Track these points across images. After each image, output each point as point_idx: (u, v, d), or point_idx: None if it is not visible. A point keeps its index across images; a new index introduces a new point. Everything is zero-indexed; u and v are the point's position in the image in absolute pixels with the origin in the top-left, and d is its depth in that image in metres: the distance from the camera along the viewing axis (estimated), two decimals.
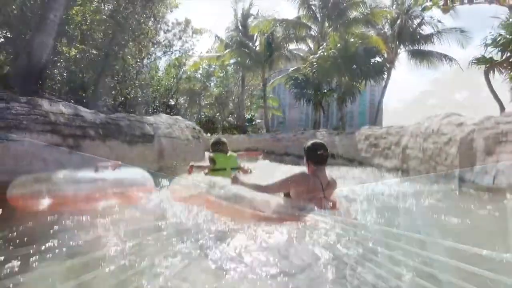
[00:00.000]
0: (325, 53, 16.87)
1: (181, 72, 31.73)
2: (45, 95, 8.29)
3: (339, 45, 16.85)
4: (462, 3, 9.99)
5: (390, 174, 10.37)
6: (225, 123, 38.90)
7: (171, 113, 32.24)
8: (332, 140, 15.13)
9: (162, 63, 31.09)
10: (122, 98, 13.99)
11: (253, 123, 40.23)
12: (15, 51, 8.40)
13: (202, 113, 38.86)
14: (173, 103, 34.98)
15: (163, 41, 17.26)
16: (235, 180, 3.74)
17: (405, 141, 9.97)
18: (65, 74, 9.82)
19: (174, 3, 14.51)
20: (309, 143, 3.60)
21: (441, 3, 10.20)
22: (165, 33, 17.04)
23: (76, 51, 10.20)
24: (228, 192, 3.53)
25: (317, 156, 3.47)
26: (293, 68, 26.38)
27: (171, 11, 14.95)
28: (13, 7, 7.37)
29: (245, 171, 5.33)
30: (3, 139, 5.26)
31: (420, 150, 8.91)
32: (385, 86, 23.73)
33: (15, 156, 5.42)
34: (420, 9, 12.35)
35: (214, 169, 5.17)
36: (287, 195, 3.49)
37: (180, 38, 17.85)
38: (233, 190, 3.54)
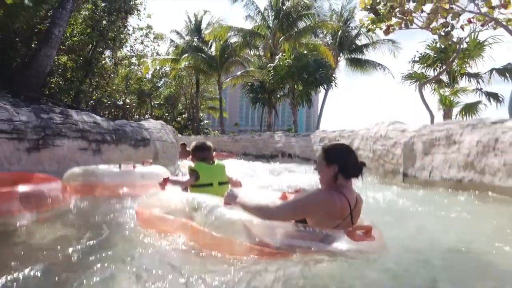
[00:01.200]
0: (281, 63, 18.72)
1: (129, 73, 31.83)
2: (43, 100, 8.99)
3: (292, 55, 18.80)
4: (400, 28, 12.16)
5: None
6: (175, 123, 39.59)
7: (120, 114, 32.32)
8: (289, 141, 16.98)
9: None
10: (92, 102, 14.63)
11: (202, 123, 41.48)
12: (22, 61, 9.00)
13: (151, 113, 39.09)
14: (121, 103, 34.95)
15: (125, 43, 17.84)
16: (230, 199, 2.74)
17: (357, 143, 11.92)
18: (61, 82, 10.46)
19: (147, 14, 15.45)
20: (337, 145, 2.64)
21: (384, 28, 12.30)
22: (118, 33, 17.59)
23: (69, 60, 10.86)
24: (221, 218, 2.58)
25: (356, 166, 2.50)
26: (242, 71, 28.05)
27: (144, 21, 15.79)
28: (22, 21, 8.01)
29: (235, 184, 4.06)
30: (50, 145, 6.19)
31: (371, 151, 10.85)
32: (327, 92, 26.11)
33: (58, 160, 6.38)
34: (365, 30, 14.46)
35: (196, 185, 3.81)
36: (300, 220, 2.48)
37: (142, 42, 18.56)
38: (228, 215, 2.58)
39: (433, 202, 5.83)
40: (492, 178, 6.19)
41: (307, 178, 9.08)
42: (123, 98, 33.79)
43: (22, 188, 3.56)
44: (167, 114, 39.75)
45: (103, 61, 13.32)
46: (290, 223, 2.40)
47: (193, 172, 3.86)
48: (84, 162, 6.82)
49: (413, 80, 15.97)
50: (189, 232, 2.80)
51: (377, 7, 12.25)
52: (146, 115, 37.25)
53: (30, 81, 8.47)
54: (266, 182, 7.70)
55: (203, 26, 28.48)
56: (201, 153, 4.06)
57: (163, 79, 33.54)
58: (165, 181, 3.86)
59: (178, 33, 29.66)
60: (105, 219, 3.99)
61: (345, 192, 2.41)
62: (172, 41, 27.38)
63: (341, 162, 2.46)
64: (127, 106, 34.42)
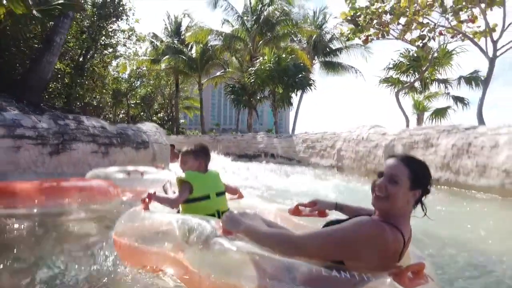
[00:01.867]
0: (262, 66, 19.45)
1: (105, 72, 31.66)
2: (42, 106, 9.22)
3: (272, 59, 19.57)
4: (378, 38, 13.11)
5: (326, 170, 13.12)
6: (151, 122, 39.43)
7: (94, 113, 32.06)
8: (271, 142, 17.67)
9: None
10: (78, 103, 14.75)
11: (178, 122, 41.66)
12: (24, 67, 9.15)
13: (127, 113, 38.81)
14: (95, 103, 34.50)
15: (115, 47, 17.94)
16: (231, 226, 1.99)
17: (339, 145, 12.75)
18: (59, 87, 10.62)
19: (135, 19, 15.74)
20: (424, 164, 1.86)
21: (363, 38, 13.20)
22: (107, 38, 17.74)
23: (66, 66, 11.03)
24: (220, 255, 1.90)
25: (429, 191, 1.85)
26: (221, 72, 28.54)
27: (132, 25, 16.08)
28: (24, 29, 8.22)
29: (233, 192, 3.49)
30: (68, 149, 6.57)
31: (353, 152, 11.69)
32: (302, 94, 26.90)
33: (74, 162, 6.77)
34: (345, 39, 15.39)
35: (190, 199, 2.98)
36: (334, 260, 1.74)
37: (124, 44, 18.68)
38: (230, 250, 1.88)
39: None
40: (466, 178, 7.09)
41: (308, 180, 9.71)
42: (98, 97, 33.48)
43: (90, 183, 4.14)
44: (143, 113, 39.59)
45: (94, 65, 13.52)
46: (317, 264, 1.67)
47: (185, 184, 2.96)
48: (95, 164, 7.20)
49: (389, 84, 17.07)
50: (179, 272, 2.13)
51: (357, 19, 13.17)
52: (121, 115, 37.06)
53: (32, 86, 8.70)
54: (266, 185, 8.20)
55: (183, 28, 28.76)
56: (207, 158, 3.17)
57: (140, 79, 33.52)
58: (150, 197, 2.96)
59: (156, 36, 29.73)
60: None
61: (400, 224, 1.76)
62: (151, 42, 27.55)
63: (426, 187, 1.82)
64: (101, 105, 34.11)
